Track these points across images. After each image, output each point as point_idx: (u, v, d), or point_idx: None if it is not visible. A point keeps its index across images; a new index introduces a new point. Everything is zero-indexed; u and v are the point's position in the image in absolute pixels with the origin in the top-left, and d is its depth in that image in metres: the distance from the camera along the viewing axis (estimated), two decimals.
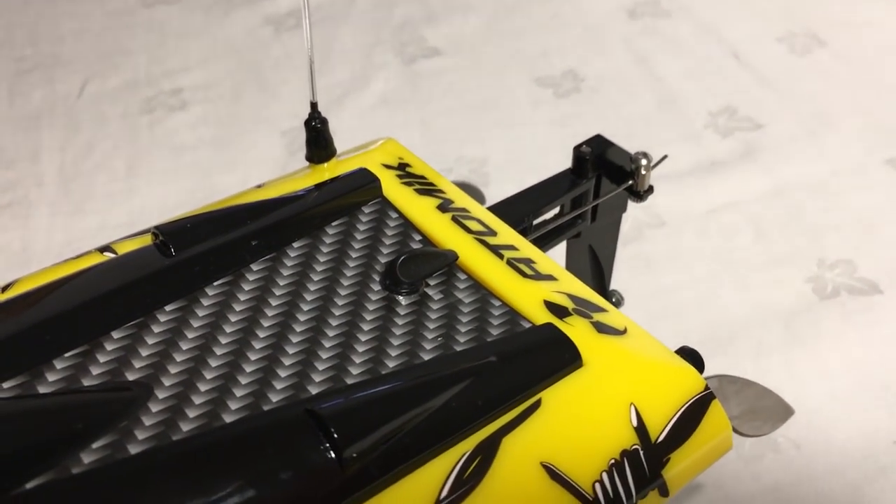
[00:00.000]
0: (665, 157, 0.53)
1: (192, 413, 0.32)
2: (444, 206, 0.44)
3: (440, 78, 0.97)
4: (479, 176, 0.83)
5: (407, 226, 0.43)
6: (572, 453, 0.33)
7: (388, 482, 0.31)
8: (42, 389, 0.32)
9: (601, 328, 0.38)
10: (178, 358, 0.34)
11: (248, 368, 0.34)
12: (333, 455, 0.30)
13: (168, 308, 0.36)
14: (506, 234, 0.44)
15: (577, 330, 0.37)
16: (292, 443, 0.30)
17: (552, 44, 1.01)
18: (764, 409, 0.44)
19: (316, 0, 1.09)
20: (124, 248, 0.40)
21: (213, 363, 0.34)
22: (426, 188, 0.46)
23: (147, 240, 0.40)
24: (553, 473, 0.32)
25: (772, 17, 1.01)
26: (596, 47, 0.99)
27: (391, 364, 0.35)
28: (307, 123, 0.47)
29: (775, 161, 0.82)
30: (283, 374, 0.34)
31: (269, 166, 0.86)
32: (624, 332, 0.38)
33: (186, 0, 1.13)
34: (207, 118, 0.93)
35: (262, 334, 0.36)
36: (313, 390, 0.33)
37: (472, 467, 0.32)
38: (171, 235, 0.38)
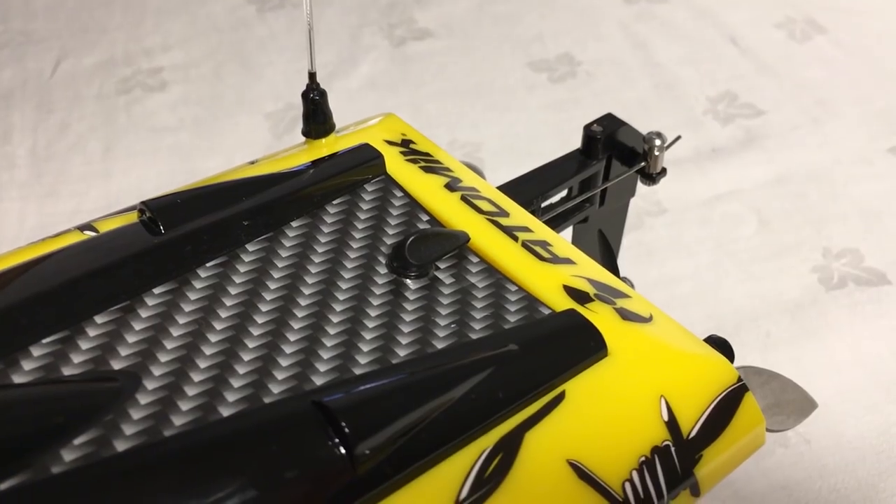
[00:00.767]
0: (678, 137, 0.51)
1: (185, 406, 0.29)
2: (453, 185, 0.42)
3: (431, 60, 0.94)
4: (473, 161, 0.80)
5: (413, 205, 0.40)
6: (600, 450, 0.30)
7: (403, 481, 0.28)
8: (17, 379, 0.29)
9: (626, 315, 0.35)
10: (169, 345, 0.31)
11: (246, 357, 0.31)
12: (344, 452, 0.27)
13: (157, 290, 0.33)
14: (518, 214, 0.41)
15: (600, 317, 0.34)
16: (299, 439, 0.27)
17: (546, 27, 0.98)
18: (788, 403, 0.41)
19: None
20: (107, 227, 0.37)
21: (208, 351, 0.31)
22: (432, 165, 0.43)
23: (132, 217, 0.37)
24: (580, 472, 0.30)
25: (769, 3, 0.99)
26: (591, 31, 0.97)
27: (402, 353, 0.32)
28: (305, 95, 0.43)
29: (777, 149, 0.80)
30: (284, 363, 0.31)
31: (253, 149, 0.82)
32: (650, 319, 0.36)
33: None
34: (188, 99, 0.90)
35: (260, 320, 0.33)
36: (318, 381, 0.30)
37: (493, 465, 0.29)
38: (159, 211, 0.35)
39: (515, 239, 0.39)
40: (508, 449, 0.29)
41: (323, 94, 0.44)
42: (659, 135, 0.49)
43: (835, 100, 0.85)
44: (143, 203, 0.35)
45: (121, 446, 0.27)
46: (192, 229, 0.35)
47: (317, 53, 1.07)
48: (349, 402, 0.28)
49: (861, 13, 0.97)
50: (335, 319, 0.33)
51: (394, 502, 0.27)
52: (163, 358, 0.30)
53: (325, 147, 0.44)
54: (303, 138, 0.45)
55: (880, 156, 0.79)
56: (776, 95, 0.86)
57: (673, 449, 0.31)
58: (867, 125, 0.82)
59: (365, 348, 0.32)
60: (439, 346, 0.33)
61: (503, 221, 0.40)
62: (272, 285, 0.34)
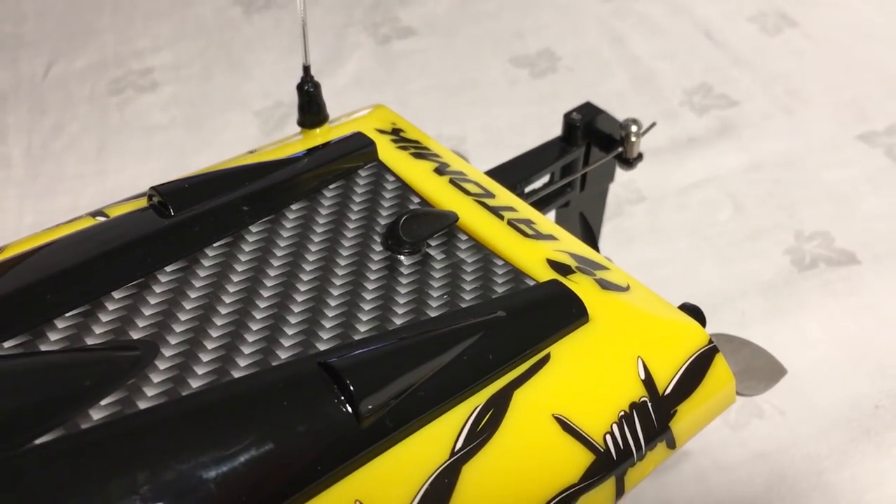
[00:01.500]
0: (654, 124, 0.54)
1: (200, 370, 0.31)
2: (441, 170, 0.44)
3: (415, 58, 0.96)
4: (458, 153, 0.83)
5: (405, 188, 0.42)
6: (583, 406, 0.33)
7: (403, 435, 0.30)
8: (44, 348, 0.31)
9: (605, 285, 0.38)
10: (183, 317, 0.33)
11: (255, 326, 0.33)
12: (350, 408, 0.29)
13: (169, 269, 0.36)
14: (504, 196, 0.43)
15: (581, 286, 0.37)
16: (307, 396, 0.29)
17: (527, 24, 1.01)
18: (759, 369, 0.44)
19: None
20: (117, 212, 0.39)
21: (219, 322, 0.33)
22: (421, 152, 0.45)
23: (140, 203, 0.39)
24: (565, 425, 0.32)
25: None
26: (570, 27, 0.99)
27: (398, 321, 0.35)
28: (300, 87, 0.46)
29: (751, 138, 0.83)
30: (290, 331, 0.33)
31: (243, 145, 0.84)
32: (627, 288, 0.38)
33: None
34: (179, 98, 0.92)
35: (265, 293, 0.35)
36: (321, 346, 0.33)
37: (485, 419, 0.31)
38: (169, 195, 0.37)
39: (501, 218, 0.41)
40: (499, 405, 0.32)
41: (317, 86, 0.46)
42: (635, 121, 0.52)
43: (806, 90, 0.88)
44: (152, 188, 0.38)
45: (144, 405, 0.29)
46: (200, 212, 0.37)
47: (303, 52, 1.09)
48: (352, 362, 0.30)
49: (831, 5, 1.01)
50: (335, 292, 0.36)
51: (395, 453, 0.30)
52: (177, 329, 0.33)
53: (320, 136, 0.46)
54: (298, 129, 0.47)
55: (850, 143, 0.82)
56: (749, 86, 0.89)
57: (650, 405, 0.34)
58: (837, 114, 0.85)
59: (364, 317, 0.35)
60: (432, 314, 0.35)
61: (489, 202, 0.42)
62: (275, 262, 0.37)
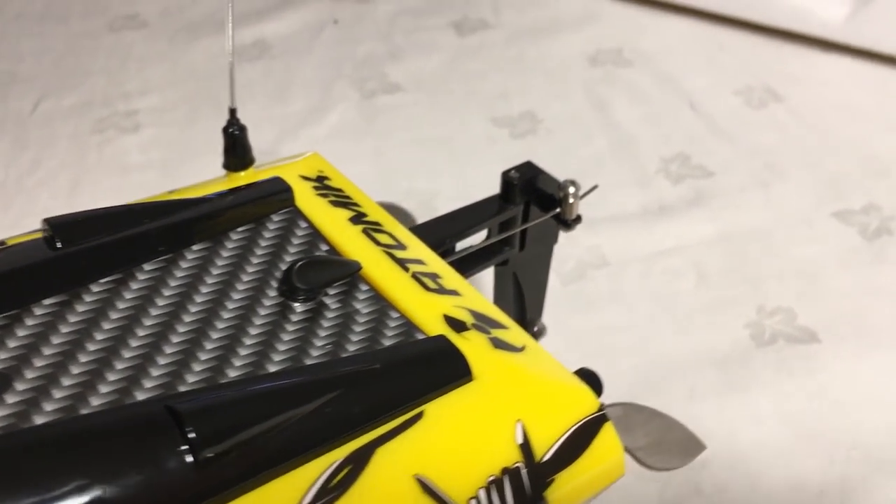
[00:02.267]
0: (595, 186, 0.53)
1: (48, 406, 0.30)
2: (357, 219, 0.44)
3: (398, 112, 0.97)
4: (427, 209, 0.82)
5: (315, 235, 0.42)
6: (450, 467, 0.32)
7: (248, 487, 0.29)
8: None
9: (498, 344, 0.37)
10: (47, 352, 0.33)
11: (119, 365, 0.32)
12: (190, 454, 0.28)
13: (46, 301, 0.35)
14: (417, 249, 0.43)
15: (472, 344, 0.36)
16: (146, 438, 0.28)
17: (513, 86, 1.01)
18: (673, 442, 0.42)
19: (279, 33, 1.09)
20: (17, 242, 0.39)
21: (83, 358, 0.33)
22: (341, 200, 0.45)
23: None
24: (426, 487, 0.31)
25: (732, 72, 1.02)
26: (556, 91, 1.00)
27: (272, 368, 0.34)
28: (225, 130, 0.46)
29: (722, 208, 0.82)
30: (155, 372, 0.32)
31: None
32: (522, 349, 0.37)
33: (153, 27, 1.13)
34: (159, 141, 0.92)
35: (141, 332, 0.34)
36: (183, 389, 0.32)
37: (340, 476, 0.30)
38: (57, 228, 0.37)
39: (406, 270, 0.40)
40: (358, 462, 0.31)
41: (243, 128, 0.46)
42: (573, 182, 0.51)
43: (784, 164, 0.87)
44: (44, 220, 0.37)
45: None
46: (87, 247, 0.37)
47: (289, 103, 1.10)
48: (199, 406, 0.29)
49: (819, 83, 1.00)
50: (214, 336, 0.35)
51: None
52: (38, 363, 0.32)
53: (243, 179, 0.46)
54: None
55: (823, 219, 0.80)
56: (728, 158, 0.88)
57: (524, 471, 0.33)
58: (814, 190, 0.84)
59: (237, 363, 0.34)
60: (309, 363, 0.34)
61: (398, 254, 0.41)
62: (160, 301, 0.36)
